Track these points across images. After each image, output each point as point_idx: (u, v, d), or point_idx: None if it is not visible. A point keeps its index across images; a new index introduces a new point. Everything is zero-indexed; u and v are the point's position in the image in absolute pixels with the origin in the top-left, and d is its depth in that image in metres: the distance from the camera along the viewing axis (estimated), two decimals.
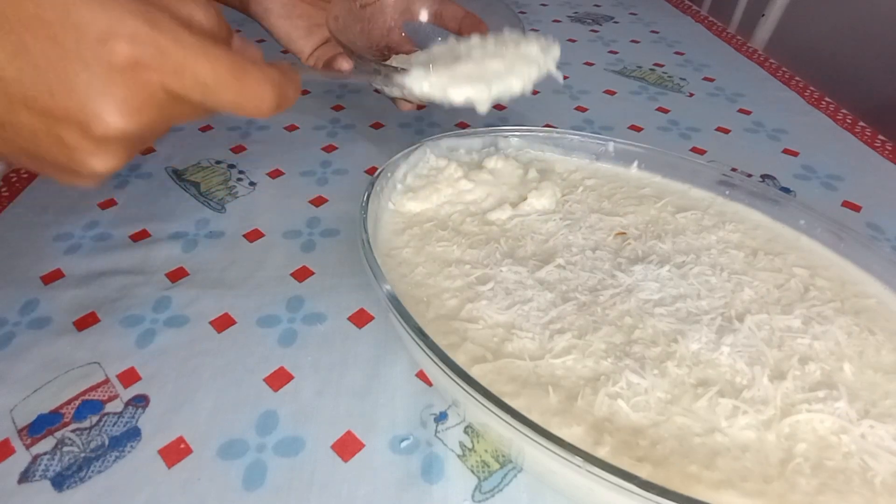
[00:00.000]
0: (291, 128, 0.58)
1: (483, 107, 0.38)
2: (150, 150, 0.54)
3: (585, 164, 0.48)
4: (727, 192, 0.44)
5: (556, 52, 0.42)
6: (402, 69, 0.43)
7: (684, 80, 0.70)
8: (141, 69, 0.21)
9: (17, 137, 0.22)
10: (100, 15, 0.20)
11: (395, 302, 0.30)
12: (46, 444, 0.30)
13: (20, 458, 0.30)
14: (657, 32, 0.84)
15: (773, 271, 0.37)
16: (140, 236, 0.44)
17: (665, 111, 0.63)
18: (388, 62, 0.48)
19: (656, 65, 0.74)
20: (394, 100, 0.51)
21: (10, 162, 0.22)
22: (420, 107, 0.53)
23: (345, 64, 0.47)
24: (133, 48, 0.21)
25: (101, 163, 0.23)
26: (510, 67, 0.40)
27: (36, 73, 0.21)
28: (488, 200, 0.43)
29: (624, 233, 0.40)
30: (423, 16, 0.54)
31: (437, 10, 0.54)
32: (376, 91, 0.52)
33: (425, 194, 0.42)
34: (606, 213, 0.42)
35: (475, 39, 0.43)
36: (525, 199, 0.43)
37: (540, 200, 0.42)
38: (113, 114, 0.21)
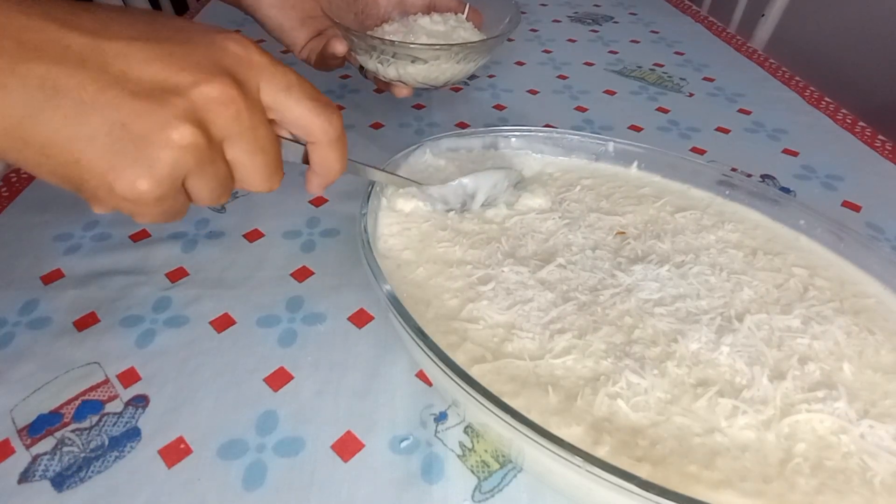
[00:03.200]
0: None
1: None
2: None
3: (582, 165, 0.48)
4: (727, 192, 0.44)
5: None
6: (399, 42, 0.46)
7: (684, 80, 0.70)
8: (249, 53, 0.26)
9: (103, 99, 0.22)
10: (221, 30, 0.26)
11: (395, 302, 0.30)
12: (46, 445, 0.30)
13: (20, 459, 0.30)
14: (657, 32, 0.84)
15: (772, 271, 0.37)
16: (140, 236, 0.44)
17: (665, 111, 0.63)
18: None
19: (656, 65, 0.74)
20: (389, 86, 0.52)
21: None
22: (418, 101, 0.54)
23: (339, 47, 0.47)
24: (243, 41, 0.26)
25: (173, 123, 0.23)
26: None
27: (159, 38, 0.24)
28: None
29: (623, 232, 0.40)
30: (418, 8, 0.56)
31: (431, 2, 0.56)
32: (365, 76, 0.55)
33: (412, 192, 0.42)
34: (605, 213, 0.42)
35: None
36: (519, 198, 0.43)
37: (534, 200, 0.42)
38: (208, 80, 0.24)
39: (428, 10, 0.56)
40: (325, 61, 0.50)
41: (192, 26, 0.26)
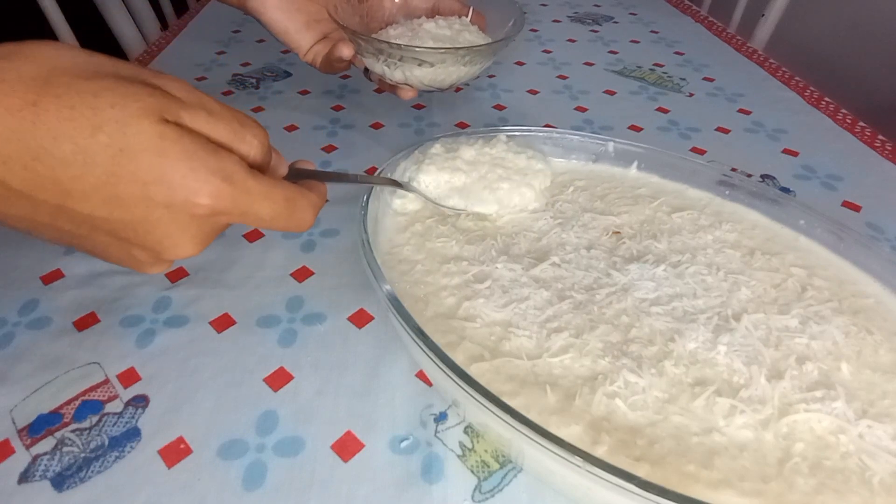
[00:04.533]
0: (291, 128, 0.59)
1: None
2: None
3: (575, 167, 0.48)
4: (727, 193, 0.44)
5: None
6: (407, 45, 0.47)
7: (684, 80, 0.70)
8: (216, 215, 0.25)
9: (88, 245, 0.26)
10: (189, 177, 0.24)
11: (395, 302, 0.30)
12: (46, 445, 0.30)
13: (20, 459, 0.30)
14: (657, 32, 0.84)
15: (770, 271, 0.37)
16: None
17: (665, 111, 0.64)
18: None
19: (656, 65, 0.74)
20: (395, 89, 0.52)
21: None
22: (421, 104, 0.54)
23: (346, 50, 0.48)
24: (213, 202, 0.24)
25: (160, 270, 0.28)
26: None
27: (123, 216, 0.24)
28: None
29: (619, 232, 0.40)
30: (422, 11, 0.57)
31: (434, 5, 0.56)
32: (370, 78, 0.55)
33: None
34: (599, 213, 0.42)
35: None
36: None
37: (527, 202, 0.42)
38: (185, 247, 0.26)
39: (432, 14, 0.56)
40: (330, 64, 0.51)
41: (153, 195, 0.24)
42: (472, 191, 0.42)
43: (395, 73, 0.50)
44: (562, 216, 0.42)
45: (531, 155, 0.44)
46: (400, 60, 0.48)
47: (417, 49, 0.47)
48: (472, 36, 0.54)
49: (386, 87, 0.54)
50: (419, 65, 0.48)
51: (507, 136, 0.46)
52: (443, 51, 0.47)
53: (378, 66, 0.50)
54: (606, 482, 0.23)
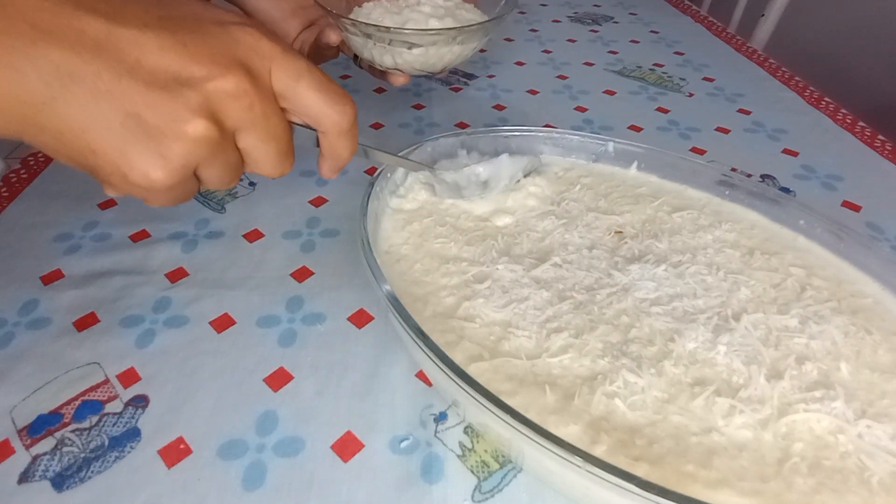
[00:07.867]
0: None
1: None
2: None
3: (582, 164, 0.48)
4: (726, 192, 0.44)
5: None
6: (397, 28, 0.45)
7: (684, 80, 0.70)
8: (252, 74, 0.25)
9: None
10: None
11: (395, 302, 0.30)
12: (46, 445, 0.31)
13: (20, 459, 0.30)
14: (657, 32, 0.84)
15: (769, 271, 0.37)
16: (140, 236, 0.44)
17: (665, 111, 0.64)
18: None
19: (656, 65, 0.74)
20: (386, 75, 0.51)
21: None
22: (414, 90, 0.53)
23: (333, 36, 0.46)
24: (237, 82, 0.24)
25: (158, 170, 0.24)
26: None
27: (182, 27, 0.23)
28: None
29: (621, 232, 0.40)
30: None
31: None
32: (360, 65, 0.53)
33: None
34: (603, 212, 0.42)
35: None
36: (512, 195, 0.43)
37: (530, 200, 0.42)
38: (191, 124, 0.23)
39: None
40: (318, 52, 0.49)
41: (204, 12, 0.25)
42: None
43: (385, 58, 0.48)
44: (567, 215, 0.42)
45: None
46: (389, 44, 0.46)
47: (407, 31, 0.45)
48: (470, 14, 0.52)
49: (377, 75, 0.52)
50: (409, 48, 0.46)
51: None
52: (433, 32, 0.45)
53: (367, 52, 0.48)
54: (605, 482, 0.23)
